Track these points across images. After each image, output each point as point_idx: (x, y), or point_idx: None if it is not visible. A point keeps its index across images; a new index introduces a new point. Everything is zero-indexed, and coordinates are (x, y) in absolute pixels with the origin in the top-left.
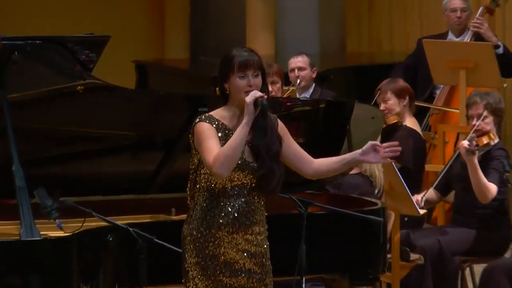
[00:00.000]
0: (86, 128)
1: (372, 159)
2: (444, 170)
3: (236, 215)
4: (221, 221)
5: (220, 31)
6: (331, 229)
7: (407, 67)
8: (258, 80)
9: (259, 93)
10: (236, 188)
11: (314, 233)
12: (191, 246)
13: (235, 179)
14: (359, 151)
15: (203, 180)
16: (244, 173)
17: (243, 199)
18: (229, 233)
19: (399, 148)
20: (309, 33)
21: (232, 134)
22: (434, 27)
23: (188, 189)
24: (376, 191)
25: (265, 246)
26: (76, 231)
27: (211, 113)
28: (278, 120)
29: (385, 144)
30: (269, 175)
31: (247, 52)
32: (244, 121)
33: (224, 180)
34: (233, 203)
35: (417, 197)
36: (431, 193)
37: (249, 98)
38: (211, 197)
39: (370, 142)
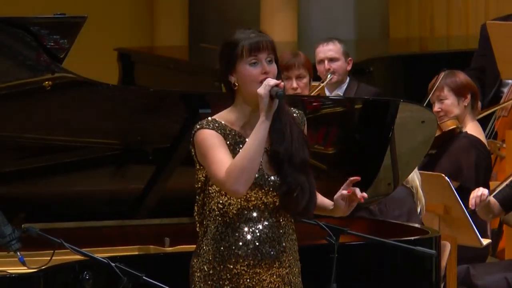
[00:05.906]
0: (55, 136)
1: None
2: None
3: (257, 243)
4: (239, 252)
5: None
6: (369, 264)
7: (479, 71)
8: (274, 67)
9: (273, 81)
10: (256, 210)
11: (347, 269)
12: (202, 285)
13: (253, 198)
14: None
15: (212, 201)
16: (263, 191)
17: (265, 223)
18: (250, 267)
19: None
20: (342, 13)
21: (245, 141)
22: (503, 6)
23: (195, 213)
24: (418, 209)
25: (298, 282)
26: (43, 267)
27: (215, 116)
28: (305, 119)
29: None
30: (295, 192)
31: (255, 33)
32: (261, 119)
33: (239, 200)
34: (253, 228)
35: (482, 192)
36: (492, 202)
37: (262, 89)
38: (224, 223)
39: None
